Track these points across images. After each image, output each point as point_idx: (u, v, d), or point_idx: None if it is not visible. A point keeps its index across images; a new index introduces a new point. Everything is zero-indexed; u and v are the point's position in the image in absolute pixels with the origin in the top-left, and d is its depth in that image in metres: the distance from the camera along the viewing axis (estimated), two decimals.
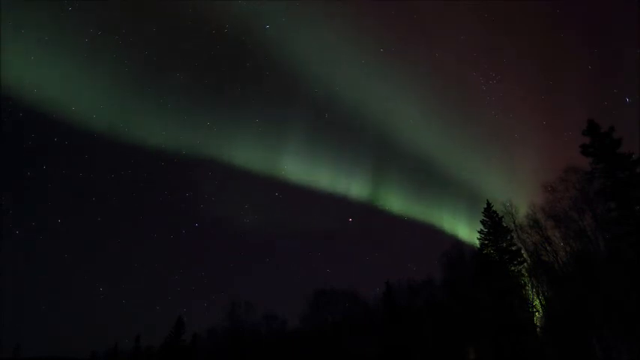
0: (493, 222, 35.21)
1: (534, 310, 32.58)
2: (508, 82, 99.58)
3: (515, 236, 34.55)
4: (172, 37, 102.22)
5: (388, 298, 48.31)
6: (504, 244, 33.96)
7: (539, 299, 32.53)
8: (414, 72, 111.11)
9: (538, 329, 32.06)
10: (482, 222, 35.69)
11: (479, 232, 35.70)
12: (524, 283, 33.15)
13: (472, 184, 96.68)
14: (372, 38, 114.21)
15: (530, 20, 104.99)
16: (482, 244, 35.41)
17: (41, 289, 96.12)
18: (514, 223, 35.51)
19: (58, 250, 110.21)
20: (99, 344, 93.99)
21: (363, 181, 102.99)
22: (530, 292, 33.18)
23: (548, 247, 33.29)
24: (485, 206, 36.10)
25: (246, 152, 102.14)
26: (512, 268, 33.13)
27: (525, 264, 33.50)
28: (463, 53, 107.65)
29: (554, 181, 32.78)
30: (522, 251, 33.87)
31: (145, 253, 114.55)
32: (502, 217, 35.40)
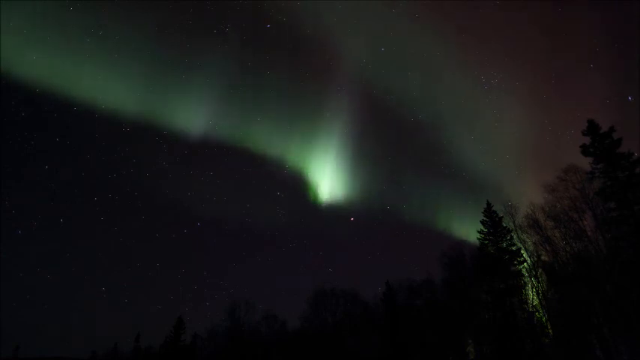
0: (493, 222, 35.24)
1: (534, 310, 32.56)
2: (509, 81, 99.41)
3: (515, 236, 34.55)
4: (174, 35, 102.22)
5: (388, 298, 48.31)
6: (504, 244, 33.97)
7: (539, 299, 32.51)
8: (414, 71, 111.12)
9: (538, 329, 32.04)
10: (482, 222, 35.72)
11: (479, 232, 35.74)
12: (524, 283, 33.15)
13: (472, 184, 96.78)
14: (372, 37, 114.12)
15: (531, 19, 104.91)
16: (482, 244, 35.44)
17: (42, 289, 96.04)
18: (514, 223, 35.51)
19: (59, 249, 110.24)
20: (99, 344, 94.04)
21: (364, 182, 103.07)
22: (530, 292, 33.18)
23: (548, 247, 33.25)
24: (486, 206, 36.14)
25: (249, 152, 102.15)
26: (512, 268, 33.14)
27: (525, 264, 33.50)
28: (463, 52, 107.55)
29: (554, 181, 32.75)
30: (522, 251, 33.87)
31: (146, 253, 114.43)
32: (502, 217, 35.42)
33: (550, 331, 31.58)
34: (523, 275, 33.06)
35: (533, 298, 33.00)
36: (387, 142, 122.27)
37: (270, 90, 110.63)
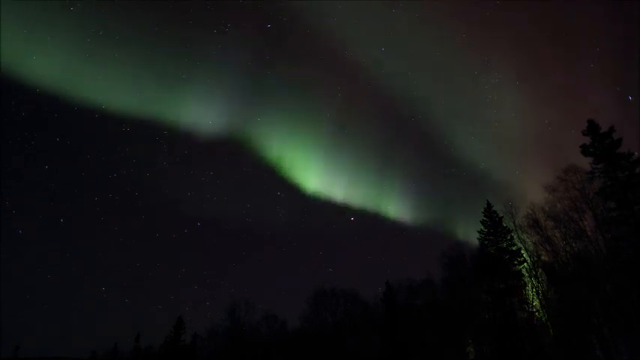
0: (493, 222, 35.24)
1: (534, 310, 32.57)
2: (509, 81, 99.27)
3: (515, 236, 34.55)
4: (174, 35, 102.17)
5: (388, 298, 48.33)
6: (504, 244, 33.97)
7: (539, 299, 32.52)
8: (414, 71, 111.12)
9: (538, 329, 32.03)
10: (483, 222, 35.72)
11: (479, 232, 35.75)
12: (524, 283, 33.15)
13: (472, 184, 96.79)
14: (371, 38, 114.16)
15: (531, 19, 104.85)
16: (482, 244, 35.45)
17: (42, 289, 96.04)
18: (514, 223, 35.51)
19: (59, 249, 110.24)
20: (99, 344, 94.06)
21: (364, 181, 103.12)
22: (530, 292, 33.17)
23: (548, 247, 33.26)
24: (486, 206, 36.14)
25: (249, 152, 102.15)
26: (513, 268, 33.14)
27: (525, 264, 33.50)
28: (463, 52, 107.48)
29: (555, 181, 32.74)
30: (522, 251, 33.86)
31: (146, 253, 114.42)
32: (502, 217, 35.42)
33: (550, 331, 31.58)
34: (523, 275, 33.04)
35: (533, 298, 32.99)
36: (387, 142, 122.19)
37: (270, 90, 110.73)
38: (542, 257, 33.96)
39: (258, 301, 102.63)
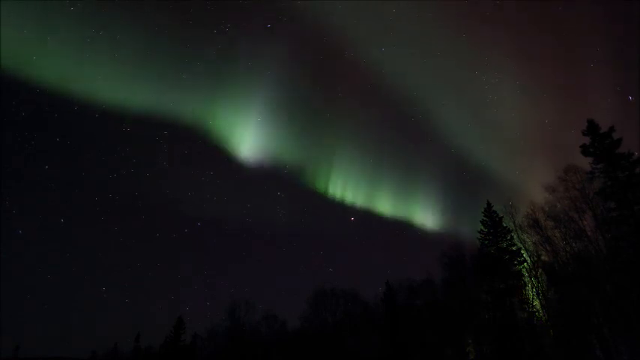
0: (493, 222, 35.25)
1: (534, 310, 32.57)
2: (509, 81, 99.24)
3: (515, 236, 34.55)
4: (174, 35, 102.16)
5: (388, 298, 48.32)
6: (504, 244, 33.98)
7: (539, 299, 32.52)
8: (414, 71, 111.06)
9: (538, 329, 32.03)
10: (483, 222, 35.74)
11: (479, 232, 35.77)
12: (524, 283, 33.15)
13: (472, 184, 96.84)
14: (371, 38, 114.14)
15: (531, 19, 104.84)
16: (482, 244, 35.46)
17: (42, 289, 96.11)
18: (514, 223, 35.52)
19: (59, 249, 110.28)
20: (99, 344, 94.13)
21: (363, 182, 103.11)
22: (530, 292, 33.18)
23: (548, 247, 33.26)
24: (486, 206, 36.16)
25: (248, 152, 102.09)
26: (513, 268, 33.15)
27: (525, 264, 33.51)
28: (464, 52, 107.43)
29: (555, 181, 32.75)
30: (522, 251, 33.86)
31: (146, 253, 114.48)
32: (502, 217, 35.43)
33: (550, 331, 31.58)
34: (523, 275, 33.04)
35: (533, 298, 32.99)
36: (387, 143, 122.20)
37: (270, 90, 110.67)
38: (542, 257, 33.97)
39: (258, 301, 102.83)
